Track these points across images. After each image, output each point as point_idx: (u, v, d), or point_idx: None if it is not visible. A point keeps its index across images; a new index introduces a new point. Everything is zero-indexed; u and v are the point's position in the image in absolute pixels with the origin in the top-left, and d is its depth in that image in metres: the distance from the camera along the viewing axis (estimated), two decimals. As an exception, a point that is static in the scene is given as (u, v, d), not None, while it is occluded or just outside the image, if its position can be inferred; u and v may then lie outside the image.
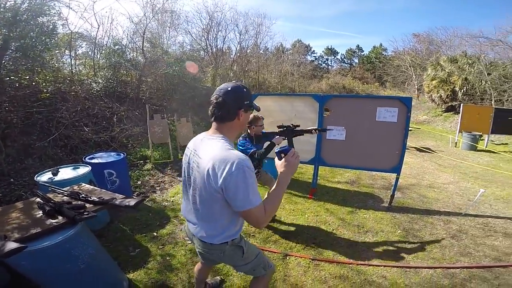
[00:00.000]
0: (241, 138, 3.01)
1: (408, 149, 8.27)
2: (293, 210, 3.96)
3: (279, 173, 1.34)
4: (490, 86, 12.63)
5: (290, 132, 2.84)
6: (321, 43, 72.72)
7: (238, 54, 19.04)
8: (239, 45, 19.04)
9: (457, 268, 2.70)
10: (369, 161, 4.22)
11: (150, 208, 3.88)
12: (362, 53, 37.30)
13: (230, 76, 16.55)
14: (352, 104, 4.30)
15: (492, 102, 12.91)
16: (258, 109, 1.43)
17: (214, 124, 1.35)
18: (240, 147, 2.90)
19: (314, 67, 34.03)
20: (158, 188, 4.62)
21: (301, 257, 2.84)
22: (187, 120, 6.35)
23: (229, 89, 1.27)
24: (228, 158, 1.16)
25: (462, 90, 13.39)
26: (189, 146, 1.43)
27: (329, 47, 37.82)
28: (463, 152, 8.43)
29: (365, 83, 27.60)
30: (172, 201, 4.15)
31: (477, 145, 8.50)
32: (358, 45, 37.94)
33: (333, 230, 3.45)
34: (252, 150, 2.80)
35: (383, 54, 33.22)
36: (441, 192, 4.85)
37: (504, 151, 8.49)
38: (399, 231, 3.44)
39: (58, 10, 6.09)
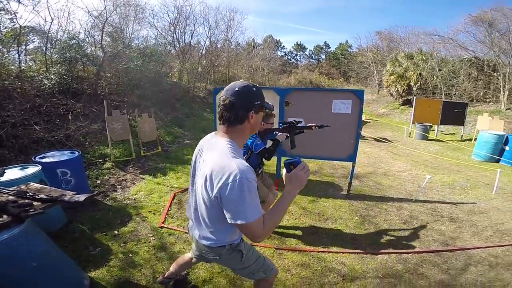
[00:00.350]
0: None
1: (367, 139, 8.88)
2: (258, 201, 4.13)
3: (285, 186, 1.28)
4: (441, 81, 13.90)
5: (292, 128, 2.81)
6: (291, 39, 74.06)
7: (207, 49, 18.79)
8: (208, 40, 18.78)
9: (409, 253, 2.91)
10: (327, 151, 4.49)
11: (110, 207, 3.79)
12: (329, 50, 38.78)
13: (198, 71, 16.30)
14: (310, 97, 4.53)
15: (442, 95, 14.24)
16: (271, 109, 1.35)
17: (222, 127, 1.26)
18: (249, 140, 2.66)
19: (283, 62, 34.68)
20: (119, 186, 4.50)
21: (266, 247, 2.94)
22: (149, 115, 6.21)
23: (237, 89, 1.18)
24: (228, 167, 1.11)
25: (416, 85, 14.57)
26: (199, 144, 1.39)
27: (298, 43, 38.87)
28: (416, 141, 9.25)
29: (331, 79, 28.78)
30: (134, 199, 4.08)
31: (428, 135, 9.41)
32: (326, 41, 39.61)
33: (295, 219, 3.60)
34: (262, 148, 2.64)
35: (348, 51, 34.76)
36: (394, 180, 5.30)
37: (451, 140, 9.47)
38: (356, 218, 3.69)
39: (6, 5, 5.68)
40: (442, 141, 9.14)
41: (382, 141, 8.79)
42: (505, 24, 12.10)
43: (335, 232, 3.33)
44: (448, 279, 2.56)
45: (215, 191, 1.13)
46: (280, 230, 3.31)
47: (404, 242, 3.17)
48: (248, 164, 1.16)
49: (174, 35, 16.71)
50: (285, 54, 38.41)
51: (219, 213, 1.20)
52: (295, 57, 39.11)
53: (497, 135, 6.75)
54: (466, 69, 13.00)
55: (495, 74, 12.09)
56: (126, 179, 4.81)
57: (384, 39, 26.27)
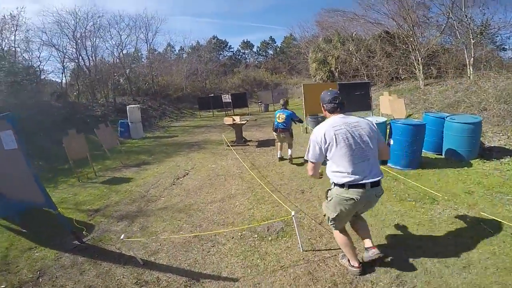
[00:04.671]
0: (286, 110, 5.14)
1: (248, 145, 6.74)
2: None
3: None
4: (359, 62, 12.13)
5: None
6: (242, 38, 70.73)
7: (121, 60, 16.16)
8: (117, 51, 16.10)
9: None
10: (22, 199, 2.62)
11: None
12: (275, 44, 36.60)
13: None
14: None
15: (365, 78, 12.53)
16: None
17: (340, 112, 2.02)
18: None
19: (232, 63, 32.36)
20: None
21: None
22: None
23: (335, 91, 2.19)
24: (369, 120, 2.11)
25: (337, 69, 12.75)
26: (337, 127, 1.91)
27: (245, 41, 36.32)
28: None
29: (276, 73, 26.88)
30: None
31: None
32: (271, 36, 37.03)
33: None
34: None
35: (293, 43, 32.73)
36: (184, 216, 3.41)
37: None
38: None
39: None
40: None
41: (262, 146, 6.80)
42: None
43: None
44: None
45: (375, 128, 2.02)
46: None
47: None
48: None
49: (77, 50, 13.91)
50: (233, 54, 35.97)
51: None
52: (243, 56, 36.70)
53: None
54: (381, 46, 11.24)
55: (403, 46, 10.39)
56: None
57: (323, 28, 24.55)
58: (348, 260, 2.19)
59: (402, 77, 11.09)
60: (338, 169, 1.89)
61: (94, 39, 14.88)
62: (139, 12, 29.51)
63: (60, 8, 19.09)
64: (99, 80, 15.37)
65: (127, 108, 10.39)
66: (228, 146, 6.40)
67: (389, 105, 6.76)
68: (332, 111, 2.00)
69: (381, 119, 4.94)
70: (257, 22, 61.83)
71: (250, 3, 58.87)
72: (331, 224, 2.13)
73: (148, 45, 17.46)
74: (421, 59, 10.21)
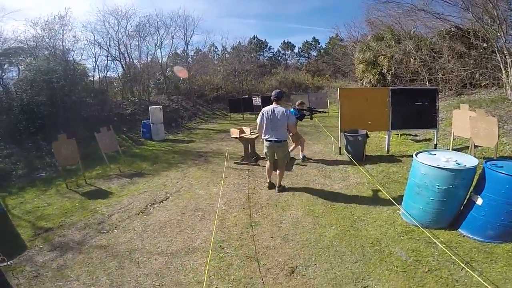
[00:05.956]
0: (292, 108, 5.48)
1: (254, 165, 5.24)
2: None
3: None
4: (420, 64, 9.66)
5: (309, 110, 6.34)
6: (296, 39, 67.60)
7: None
8: (158, 51, 16.05)
9: None
10: None
11: None
12: (319, 45, 34.00)
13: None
14: None
15: (427, 83, 10.02)
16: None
17: (275, 103, 3.88)
18: (293, 112, 5.18)
19: (272, 64, 31.08)
20: None
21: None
22: None
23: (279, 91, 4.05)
24: (286, 109, 3.97)
25: (390, 72, 10.43)
26: (270, 110, 3.82)
27: (285, 41, 34.52)
28: (344, 162, 5.15)
29: (319, 76, 24.70)
30: None
31: (363, 152, 5.28)
32: (314, 37, 34.52)
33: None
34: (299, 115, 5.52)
35: (339, 44, 30.14)
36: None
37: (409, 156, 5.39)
38: None
39: None
40: (400, 159, 5.27)
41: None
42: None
43: None
44: None
45: (286, 114, 3.84)
46: None
47: None
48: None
49: (119, 50, 14.08)
50: (273, 55, 34.53)
51: (285, 124, 3.87)
52: (283, 57, 34.87)
53: (454, 169, 2.60)
54: (449, 44, 8.67)
55: (483, 45, 7.71)
56: None
57: (375, 27, 21.72)
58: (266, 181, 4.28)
59: (482, 84, 8.41)
60: (264, 132, 3.87)
61: (136, 38, 15.04)
62: (180, 11, 30.04)
63: (101, 9, 19.91)
64: (137, 79, 15.50)
65: (149, 108, 9.83)
66: (235, 163, 5.05)
67: (468, 125, 4.65)
68: (273, 101, 3.91)
69: (471, 162, 2.75)
70: (300, 23, 59.10)
71: (294, 4, 56.45)
72: (265, 156, 4.09)
73: (186, 44, 17.12)
74: (510, 62, 7.50)
